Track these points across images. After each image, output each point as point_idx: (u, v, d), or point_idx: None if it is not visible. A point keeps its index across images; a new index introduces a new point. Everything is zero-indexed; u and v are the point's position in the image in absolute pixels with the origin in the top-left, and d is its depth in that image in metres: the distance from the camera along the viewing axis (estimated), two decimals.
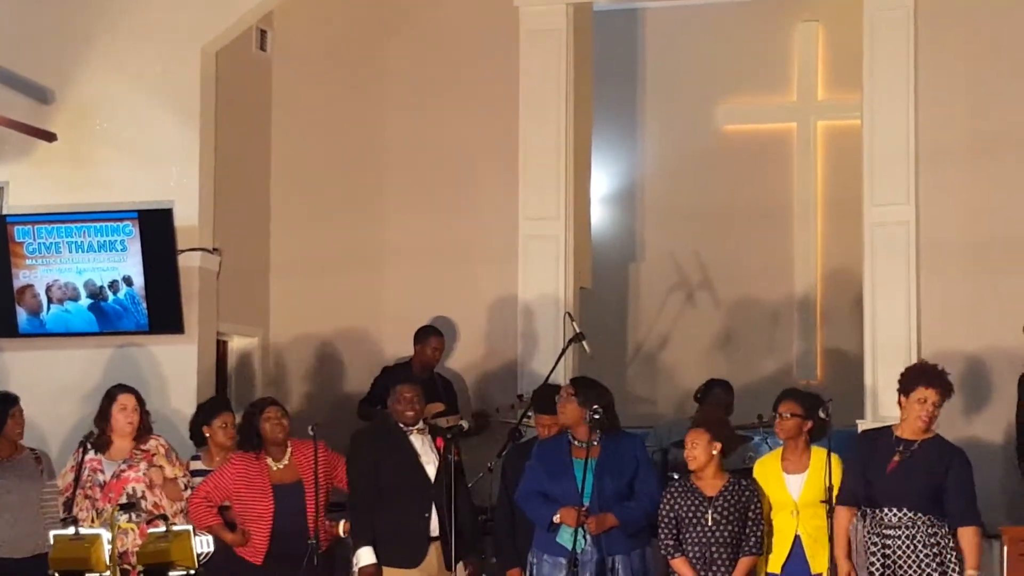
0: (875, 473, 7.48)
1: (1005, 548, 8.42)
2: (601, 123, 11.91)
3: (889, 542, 7.40)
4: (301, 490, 8.24)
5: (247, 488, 8.27)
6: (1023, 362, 9.21)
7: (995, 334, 9.74)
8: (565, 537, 7.67)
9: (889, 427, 7.71)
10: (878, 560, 7.42)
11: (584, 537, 7.66)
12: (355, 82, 11.14)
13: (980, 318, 9.88)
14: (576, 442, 7.84)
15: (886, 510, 7.43)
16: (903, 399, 7.54)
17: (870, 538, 7.45)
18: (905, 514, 7.41)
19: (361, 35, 11.19)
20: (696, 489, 7.69)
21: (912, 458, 7.46)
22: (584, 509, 7.65)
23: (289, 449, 8.38)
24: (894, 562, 7.40)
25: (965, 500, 7.44)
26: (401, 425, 8.18)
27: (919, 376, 7.56)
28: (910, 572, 7.38)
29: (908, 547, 7.39)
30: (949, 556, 7.41)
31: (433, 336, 10.32)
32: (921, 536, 7.39)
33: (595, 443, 7.79)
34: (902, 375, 7.65)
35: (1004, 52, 10.08)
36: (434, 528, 8.01)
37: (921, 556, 7.38)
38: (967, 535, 7.40)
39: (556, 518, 7.71)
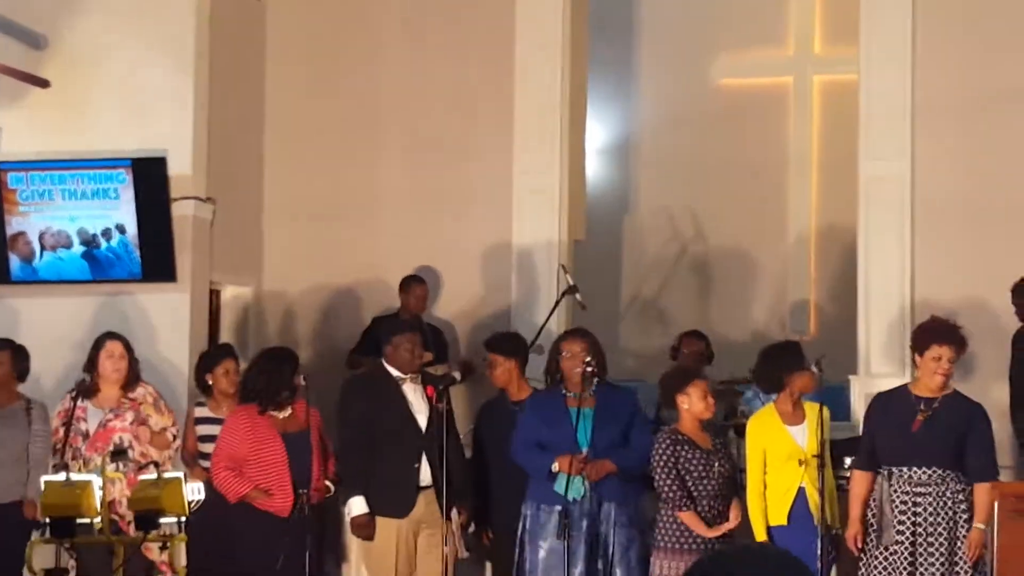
0: (898, 433, 7.40)
1: (996, 504, 8.41)
2: (596, 76, 11.86)
3: (920, 499, 7.32)
4: (308, 439, 8.02)
5: (257, 442, 8.02)
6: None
7: (989, 290, 9.71)
8: (562, 485, 7.68)
9: (904, 386, 7.68)
10: (908, 519, 7.33)
11: (583, 484, 7.67)
12: (350, 30, 11.08)
13: (974, 274, 9.86)
14: (570, 394, 7.86)
15: (915, 469, 7.34)
16: (918, 357, 7.46)
17: (899, 496, 7.36)
18: (935, 471, 7.33)
19: None
20: (693, 442, 7.62)
21: (935, 416, 7.39)
22: (583, 456, 7.67)
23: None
24: (925, 519, 7.32)
25: (985, 456, 7.40)
26: (395, 374, 8.13)
27: (932, 334, 7.46)
28: (939, 530, 7.31)
29: (938, 504, 7.32)
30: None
31: (416, 284, 10.27)
32: (950, 494, 7.33)
33: (589, 394, 7.81)
34: (914, 333, 7.60)
35: (1002, 8, 10.03)
36: (424, 478, 7.97)
37: (950, 514, 7.32)
38: (982, 491, 7.34)
39: (555, 467, 7.71)
